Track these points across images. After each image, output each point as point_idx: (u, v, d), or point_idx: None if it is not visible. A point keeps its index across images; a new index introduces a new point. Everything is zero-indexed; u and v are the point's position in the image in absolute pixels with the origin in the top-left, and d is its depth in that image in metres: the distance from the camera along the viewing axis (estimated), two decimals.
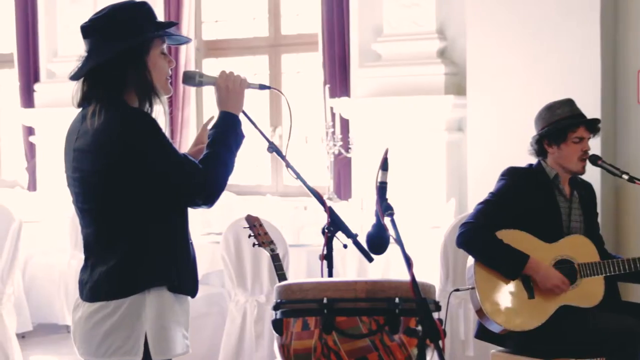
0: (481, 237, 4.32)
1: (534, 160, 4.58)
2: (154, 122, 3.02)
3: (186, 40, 3.38)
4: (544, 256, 4.34)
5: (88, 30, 3.11)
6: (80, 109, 3.13)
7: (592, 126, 4.51)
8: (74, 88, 3.13)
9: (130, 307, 3.00)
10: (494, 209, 4.40)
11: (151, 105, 3.08)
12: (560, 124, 4.47)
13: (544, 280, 4.27)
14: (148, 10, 3.12)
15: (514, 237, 4.33)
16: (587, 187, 4.64)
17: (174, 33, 3.18)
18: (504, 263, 4.30)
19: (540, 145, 4.52)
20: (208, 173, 3.03)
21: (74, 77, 3.11)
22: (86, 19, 3.14)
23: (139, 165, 2.97)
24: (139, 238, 3.02)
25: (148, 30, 3.09)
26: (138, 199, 3.00)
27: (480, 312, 4.32)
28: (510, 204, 4.40)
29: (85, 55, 3.10)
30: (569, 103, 4.53)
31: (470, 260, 4.39)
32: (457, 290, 4.47)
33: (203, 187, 3.02)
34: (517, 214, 4.38)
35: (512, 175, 4.51)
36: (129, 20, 3.07)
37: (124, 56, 3.05)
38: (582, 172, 4.52)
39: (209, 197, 3.05)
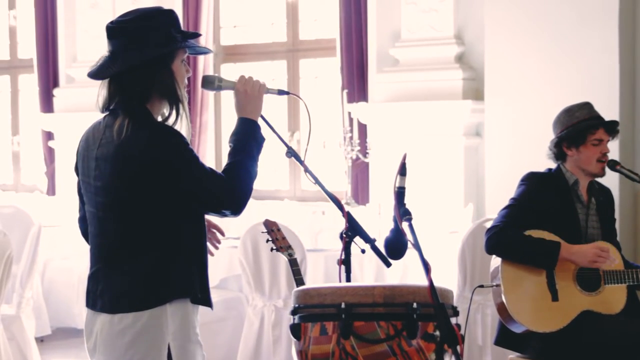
0: (510, 236, 4.30)
1: (552, 164, 4.56)
2: (181, 138, 3.03)
3: (206, 51, 3.41)
4: None
5: (115, 31, 3.08)
6: (103, 116, 3.13)
7: (611, 128, 4.50)
8: (98, 91, 3.12)
9: (151, 318, 2.99)
10: (518, 211, 4.38)
11: (178, 113, 3.08)
12: (580, 126, 4.45)
13: (582, 260, 4.27)
14: (175, 19, 3.13)
15: (542, 236, 4.32)
16: (606, 193, 4.62)
17: (196, 45, 3.18)
18: (538, 255, 4.27)
19: (560, 148, 4.51)
20: (233, 183, 3.05)
21: (97, 77, 3.09)
22: (112, 20, 3.12)
23: (166, 179, 2.98)
24: (164, 249, 3.02)
25: (174, 39, 3.09)
26: (163, 212, 3.01)
27: (503, 311, 4.30)
28: (532, 207, 4.38)
29: (108, 55, 3.08)
30: (587, 106, 4.52)
31: (496, 260, 4.37)
32: (482, 286, 4.42)
33: (229, 198, 3.03)
34: (539, 218, 4.36)
35: (532, 180, 4.50)
36: (157, 28, 3.07)
37: (153, 63, 3.05)
38: (602, 174, 4.51)
39: (235, 207, 3.06)
